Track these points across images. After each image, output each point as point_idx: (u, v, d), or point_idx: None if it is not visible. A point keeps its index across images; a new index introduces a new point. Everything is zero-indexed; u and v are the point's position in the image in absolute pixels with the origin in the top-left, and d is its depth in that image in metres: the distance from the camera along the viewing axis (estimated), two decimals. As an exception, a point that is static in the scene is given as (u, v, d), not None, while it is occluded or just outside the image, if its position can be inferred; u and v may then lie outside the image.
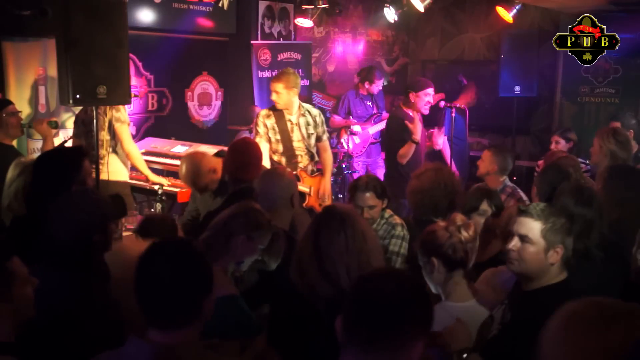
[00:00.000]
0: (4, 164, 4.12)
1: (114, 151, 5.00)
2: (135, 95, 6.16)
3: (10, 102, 4.65)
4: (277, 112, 5.16)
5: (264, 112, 5.23)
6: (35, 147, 5.33)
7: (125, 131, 4.98)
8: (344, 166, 6.98)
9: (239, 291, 2.67)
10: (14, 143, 4.62)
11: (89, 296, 2.34)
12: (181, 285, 1.78)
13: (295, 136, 5.19)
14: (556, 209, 2.51)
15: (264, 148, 4.99)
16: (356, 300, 1.65)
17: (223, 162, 4.03)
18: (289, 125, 5.17)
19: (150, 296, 1.79)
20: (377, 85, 7.06)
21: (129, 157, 5.05)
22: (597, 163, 4.62)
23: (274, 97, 5.15)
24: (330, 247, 2.43)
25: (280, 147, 5.14)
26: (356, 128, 7.00)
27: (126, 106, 5.03)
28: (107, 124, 4.88)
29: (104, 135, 4.86)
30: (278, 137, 5.13)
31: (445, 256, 2.63)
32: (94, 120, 4.48)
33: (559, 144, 5.83)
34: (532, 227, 2.41)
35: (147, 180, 5.25)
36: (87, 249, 2.43)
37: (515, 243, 2.45)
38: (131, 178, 5.37)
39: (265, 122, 5.14)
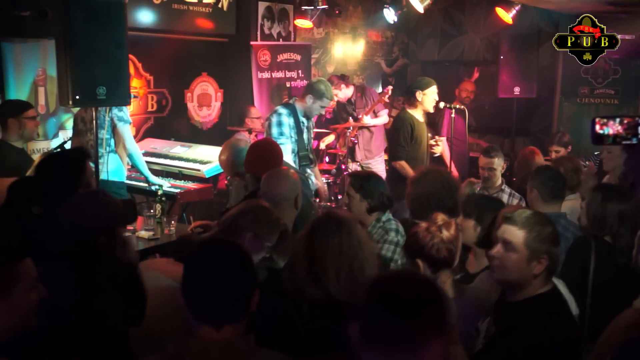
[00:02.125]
0: (11, 166, 4.15)
1: (113, 151, 5.01)
2: (135, 97, 6.16)
3: (30, 106, 4.71)
4: (293, 112, 5.18)
5: (285, 110, 5.19)
6: (35, 147, 5.33)
7: (128, 131, 4.98)
8: (343, 167, 6.98)
9: None
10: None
11: (89, 298, 2.33)
12: (234, 282, 1.84)
13: (306, 137, 5.25)
14: (542, 218, 2.46)
15: (289, 149, 5.05)
16: (374, 301, 1.61)
17: (245, 160, 4.04)
18: (301, 126, 5.22)
19: (203, 294, 1.84)
20: (340, 92, 7.04)
21: (131, 158, 5.05)
22: (617, 167, 4.54)
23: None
24: (323, 249, 2.41)
25: (296, 147, 5.17)
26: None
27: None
28: (107, 123, 4.88)
29: (104, 134, 4.86)
30: (296, 137, 5.15)
31: (429, 257, 2.64)
32: (94, 120, 4.48)
33: (560, 153, 5.80)
34: (516, 234, 2.34)
35: (146, 181, 5.24)
36: (92, 251, 2.42)
37: (498, 249, 2.39)
38: (131, 179, 5.37)
39: (289, 122, 5.14)
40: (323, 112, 5.50)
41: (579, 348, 2.39)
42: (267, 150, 4.10)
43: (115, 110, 4.88)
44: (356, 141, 7.02)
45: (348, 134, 6.93)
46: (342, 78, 7.14)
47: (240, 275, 1.87)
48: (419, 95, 5.50)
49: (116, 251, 2.53)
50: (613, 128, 1.93)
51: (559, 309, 2.37)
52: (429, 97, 5.52)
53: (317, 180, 5.43)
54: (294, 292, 2.41)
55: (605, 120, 1.94)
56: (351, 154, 7.06)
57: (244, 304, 1.87)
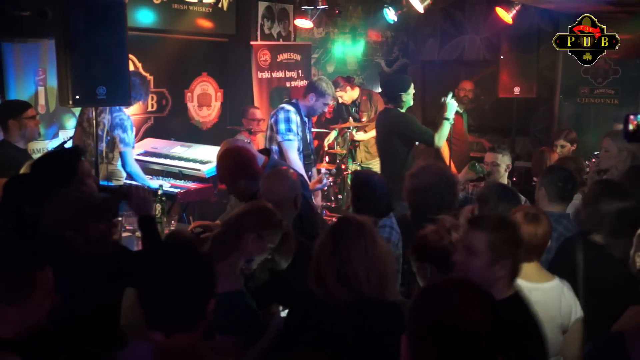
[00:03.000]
0: (14, 167, 4.14)
1: (110, 162, 5.04)
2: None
3: (29, 105, 4.71)
4: (298, 110, 5.18)
5: (292, 108, 5.18)
6: (35, 147, 5.33)
7: (130, 154, 4.99)
8: (343, 167, 6.98)
9: (250, 289, 2.69)
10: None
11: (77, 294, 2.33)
12: (186, 289, 1.80)
13: (308, 136, 5.27)
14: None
15: (296, 147, 5.04)
16: (423, 316, 1.52)
17: (221, 174, 4.00)
18: (304, 126, 5.23)
19: (155, 300, 1.81)
20: (346, 94, 7.06)
21: (132, 177, 5.07)
22: (612, 166, 4.49)
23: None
24: (351, 251, 2.42)
25: (301, 146, 5.18)
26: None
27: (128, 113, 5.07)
28: (105, 138, 4.89)
29: (103, 147, 4.88)
30: (300, 135, 5.16)
31: (438, 260, 2.63)
32: (94, 122, 4.48)
33: (565, 148, 5.78)
34: (479, 238, 2.34)
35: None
36: (63, 246, 2.44)
37: (461, 255, 2.38)
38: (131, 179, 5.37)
39: (296, 119, 5.13)
40: (325, 110, 5.49)
41: (546, 352, 2.38)
42: (231, 157, 3.90)
43: (119, 131, 4.89)
44: (357, 143, 7.01)
45: (347, 134, 6.93)
46: (348, 80, 7.12)
47: (193, 283, 1.81)
48: (404, 96, 5.38)
49: (89, 246, 2.52)
50: (633, 124, 1.99)
51: (524, 313, 2.36)
52: (411, 95, 5.48)
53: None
54: (325, 298, 2.42)
55: (632, 117, 1.99)
56: (351, 155, 7.07)
57: (195, 312, 1.82)
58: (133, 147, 5.08)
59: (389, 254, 2.56)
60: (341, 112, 7.31)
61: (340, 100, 7.03)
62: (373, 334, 2.31)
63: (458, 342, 1.44)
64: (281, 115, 5.08)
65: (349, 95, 7.05)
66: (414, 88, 5.47)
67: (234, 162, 3.81)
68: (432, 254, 2.64)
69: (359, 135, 6.96)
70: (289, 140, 5.00)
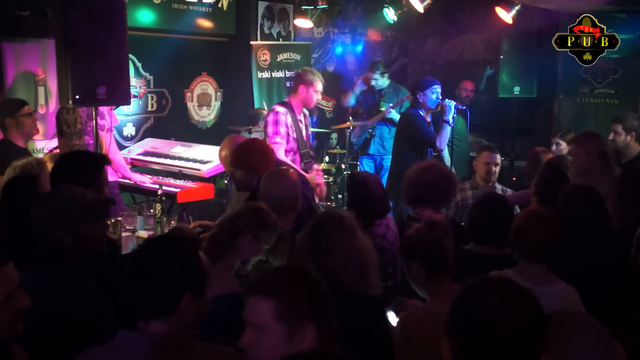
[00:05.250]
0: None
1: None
2: (135, 96, 6.15)
3: (25, 103, 4.70)
4: (290, 110, 5.18)
5: (282, 109, 5.17)
6: (35, 147, 5.33)
7: (107, 139, 4.87)
8: (343, 167, 6.96)
9: (244, 290, 2.68)
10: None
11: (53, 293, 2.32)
12: (158, 277, 1.82)
13: (304, 133, 5.26)
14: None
15: (282, 149, 5.05)
16: (464, 317, 1.48)
17: (235, 158, 4.01)
18: (299, 124, 5.22)
19: (131, 289, 1.85)
20: (381, 79, 6.97)
21: (113, 165, 4.97)
22: (584, 171, 4.22)
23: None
24: (330, 242, 2.45)
25: (296, 145, 5.18)
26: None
27: (120, 109, 5.02)
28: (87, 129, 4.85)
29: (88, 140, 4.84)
30: (295, 135, 5.15)
31: (422, 258, 2.63)
32: (93, 121, 4.47)
33: (560, 146, 5.77)
34: (262, 309, 1.77)
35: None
36: (52, 246, 2.43)
37: (247, 337, 1.79)
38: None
39: (286, 120, 5.12)
40: (320, 98, 5.45)
41: None
42: (259, 147, 4.04)
43: (97, 119, 4.82)
44: (374, 133, 6.85)
45: (348, 132, 6.91)
46: (384, 67, 7.03)
47: (168, 273, 1.83)
48: (421, 96, 5.45)
49: (80, 248, 2.51)
50: None
51: None
52: (429, 97, 5.49)
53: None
54: None
55: None
56: (364, 147, 6.92)
57: (169, 302, 1.83)
58: (110, 132, 4.89)
59: (370, 247, 2.56)
60: (366, 99, 7.11)
61: (373, 82, 6.91)
62: (351, 326, 2.28)
63: (500, 343, 1.43)
64: (270, 118, 5.13)
65: (383, 82, 6.95)
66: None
67: (246, 149, 3.91)
68: (415, 252, 2.65)
69: (394, 114, 6.74)
70: (275, 142, 5.03)
